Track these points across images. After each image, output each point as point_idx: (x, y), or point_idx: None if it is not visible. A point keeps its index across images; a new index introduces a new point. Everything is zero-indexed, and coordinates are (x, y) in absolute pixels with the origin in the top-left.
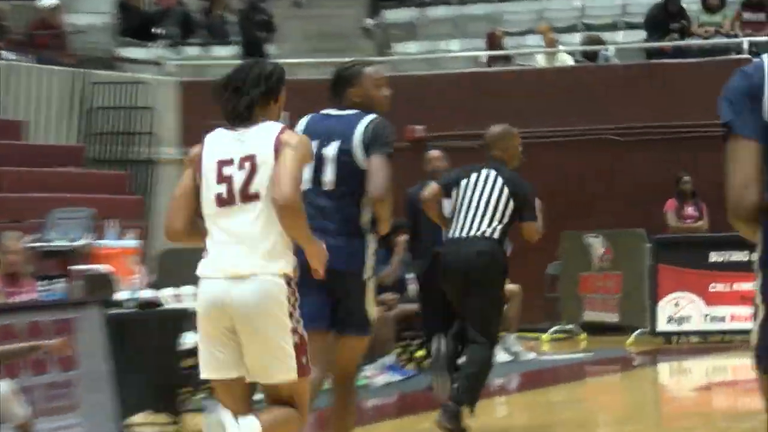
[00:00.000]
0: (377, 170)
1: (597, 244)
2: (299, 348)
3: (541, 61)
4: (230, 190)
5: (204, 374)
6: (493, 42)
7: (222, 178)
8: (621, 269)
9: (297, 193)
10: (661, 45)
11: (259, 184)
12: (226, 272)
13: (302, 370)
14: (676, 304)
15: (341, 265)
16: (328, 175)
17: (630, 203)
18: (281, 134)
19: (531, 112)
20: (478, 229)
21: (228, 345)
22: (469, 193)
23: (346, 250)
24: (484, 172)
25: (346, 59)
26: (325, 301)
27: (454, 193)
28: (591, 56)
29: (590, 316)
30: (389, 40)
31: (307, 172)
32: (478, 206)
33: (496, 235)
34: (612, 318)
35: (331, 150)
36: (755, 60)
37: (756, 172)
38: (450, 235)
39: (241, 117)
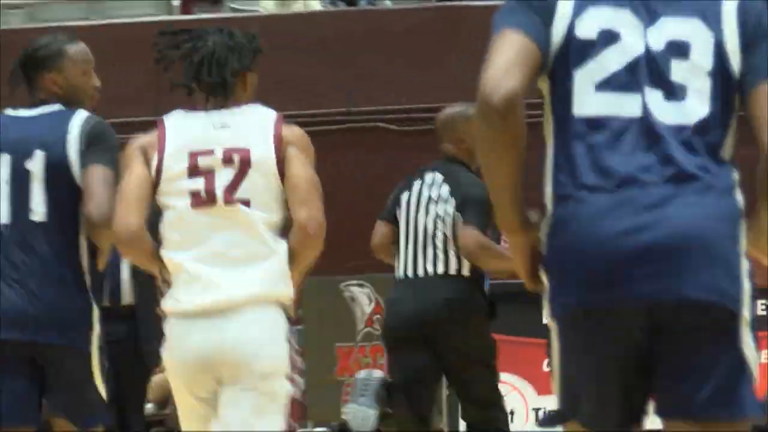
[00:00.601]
0: (98, 185)
1: (363, 298)
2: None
3: (269, 5)
4: (210, 189)
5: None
6: None
7: (197, 171)
8: None
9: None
10: None
11: (252, 188)
12: (210, 305)
13: None
14: None
15: (53, 336)
16: (37, 202)
17: None
18: (279, 126)
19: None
20: (435, 265)
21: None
22: (413, 211)
23: (61, 312)
24: (428, 177)
25: None
26: (31, 386)
27: (398, 214)
28: None
29: None
30: None
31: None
32: (426, 229)
33: (465, 271)
34: None
35: (37, 164)
36: None
37: (520, 59)
38: (399, 274)
39: (220, 91)
